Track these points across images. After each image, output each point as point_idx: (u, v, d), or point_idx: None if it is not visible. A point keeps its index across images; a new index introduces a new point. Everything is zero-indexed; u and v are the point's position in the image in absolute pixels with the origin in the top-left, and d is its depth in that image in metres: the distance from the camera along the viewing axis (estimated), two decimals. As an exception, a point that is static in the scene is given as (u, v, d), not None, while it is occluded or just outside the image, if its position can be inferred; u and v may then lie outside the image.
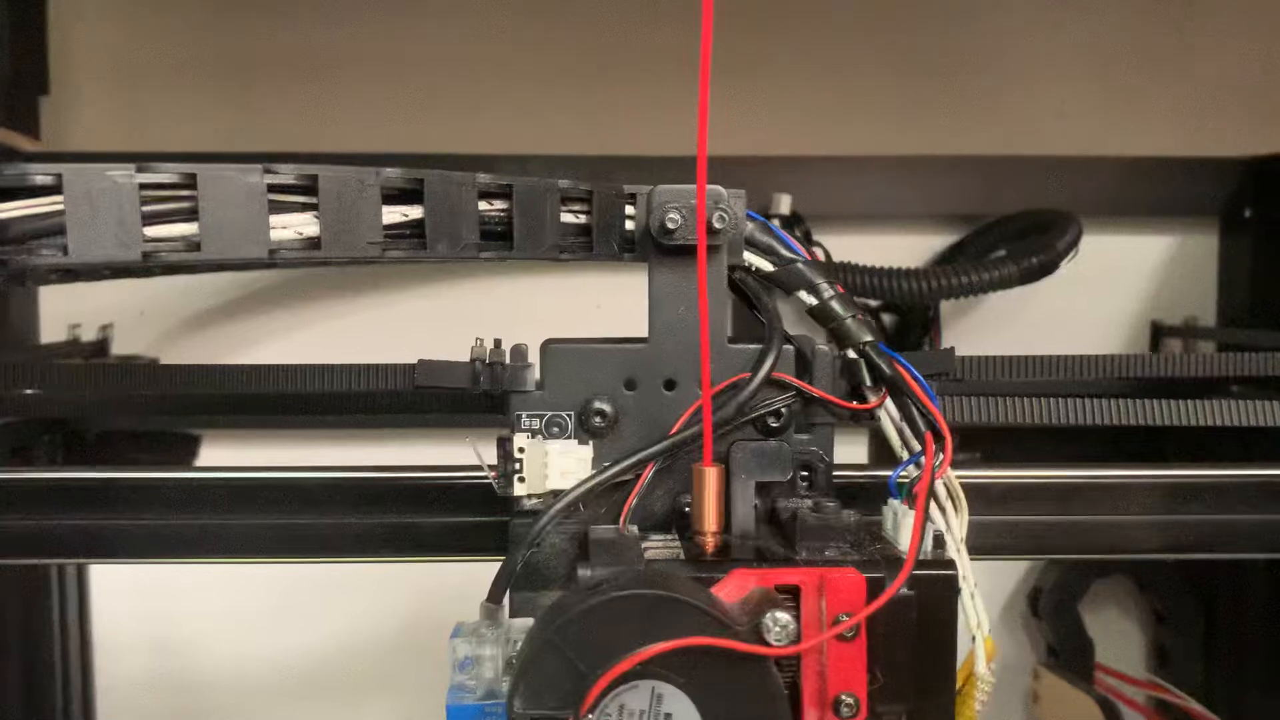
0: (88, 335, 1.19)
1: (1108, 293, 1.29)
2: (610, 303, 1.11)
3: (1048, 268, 1.05)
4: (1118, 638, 1.32)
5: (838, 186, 1.23)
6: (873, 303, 1.22)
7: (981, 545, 0.64)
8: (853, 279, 1.09)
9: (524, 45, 1.24)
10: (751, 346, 0.55)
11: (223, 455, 1.20)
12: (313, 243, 0.47)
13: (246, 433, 1.20)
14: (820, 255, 1.20)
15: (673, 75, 1.19)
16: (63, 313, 1.19)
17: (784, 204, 1.20)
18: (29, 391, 0.97)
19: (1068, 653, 1.26)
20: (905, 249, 1.25)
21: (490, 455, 0.55)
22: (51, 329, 1.20)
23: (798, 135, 1.26)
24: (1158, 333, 1.28)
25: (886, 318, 1.25)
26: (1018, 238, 1.16)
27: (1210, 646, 1.28)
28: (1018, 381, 1.05)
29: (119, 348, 1.21)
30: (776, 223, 1.18)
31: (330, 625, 1.28)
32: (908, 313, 1.23)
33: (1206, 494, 0.69)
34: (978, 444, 1.20)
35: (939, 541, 0.51)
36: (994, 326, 1.28)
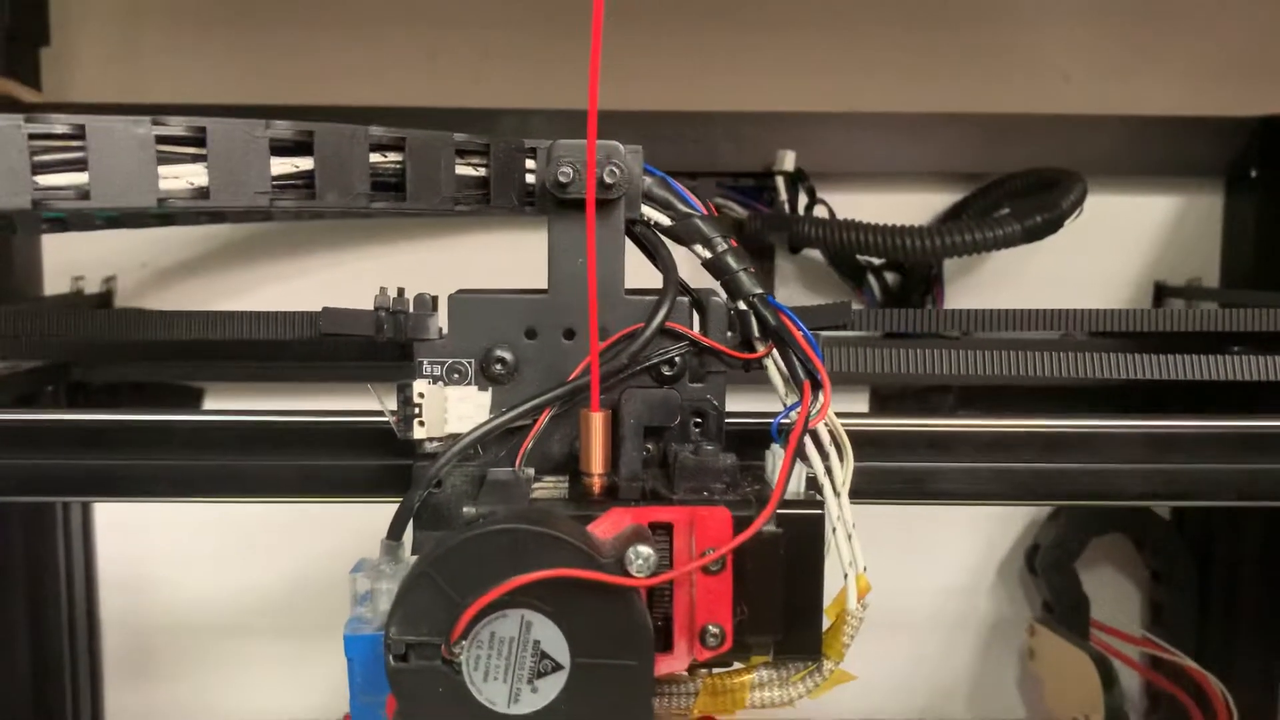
0: (91, 288, 1.21)
1: (1111, 252, 1.29)
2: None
3: (1052, 226, 1.05)
4: (1114, 595, 1.34)
5: (843, 143, 1.24)
6: (876, 261, 1.23)
7: (969, 491, 0.67)
8: (856, 236, 1.09)
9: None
10: (649, 298, 0.57)
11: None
12: (202, 192, 0.50)
13: (247, 385, 1.21)
14: (825, 212, 1.21)
15: (674, 26, 1.20)
16: (66, 265, 1.21)
17: (788, 160, 1.21)
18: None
19: (1064, 609, 1.28)
20: (909, 207, 1.25)
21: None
22: (55, 283, 1.22)
23: (803, 91, 1.26)
24: (1161, 293, 1.28)
25: (890, 276, 1.25)
26: (1022, 196, 1.16)
27: (1204, 605, 1.29)
28: (1021, 336, 1.06)
29: (125, 300, 1.23)
30: (780, 180, 1.21)
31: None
32: (911, 271, 1.24)
33: (1184, 444, 0.70)
34: (979, 401, 1.23)
35: (816, 485, 0.54)
36: (997, 285, 1.28)
